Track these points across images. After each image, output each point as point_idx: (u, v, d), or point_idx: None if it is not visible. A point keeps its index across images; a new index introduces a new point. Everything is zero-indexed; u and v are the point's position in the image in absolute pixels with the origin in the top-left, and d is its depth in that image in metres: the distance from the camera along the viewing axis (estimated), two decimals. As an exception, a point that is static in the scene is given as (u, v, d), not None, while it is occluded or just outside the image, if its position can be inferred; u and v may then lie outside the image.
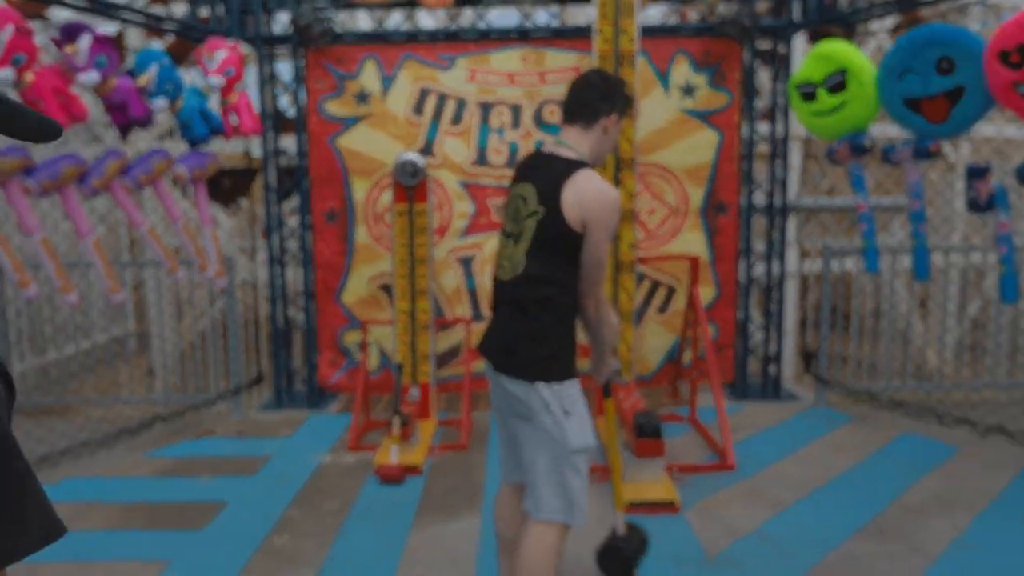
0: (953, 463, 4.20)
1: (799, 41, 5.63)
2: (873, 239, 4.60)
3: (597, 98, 2.35)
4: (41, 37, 3.77)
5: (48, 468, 4.23)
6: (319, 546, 3.29)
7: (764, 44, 5.51)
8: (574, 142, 2.33)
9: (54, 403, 5.51)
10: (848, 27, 5.36)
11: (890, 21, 6.96)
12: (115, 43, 3.98)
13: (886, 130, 5.88)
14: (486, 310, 5.39)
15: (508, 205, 2.44)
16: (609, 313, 2.39)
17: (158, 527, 3.53)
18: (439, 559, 3.17)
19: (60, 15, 5.74)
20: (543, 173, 2.31)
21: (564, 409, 2.24)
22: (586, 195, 2.20)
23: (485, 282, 5.37)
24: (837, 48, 4.35)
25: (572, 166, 2.25)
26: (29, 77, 3.53)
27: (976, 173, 3.91)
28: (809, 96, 4.50)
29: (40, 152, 5.88)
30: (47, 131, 0.76)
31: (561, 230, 2.21)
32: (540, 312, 2.27)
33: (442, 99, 5.30)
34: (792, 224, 5.71)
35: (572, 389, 2.29)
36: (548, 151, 2.39)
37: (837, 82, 4.31)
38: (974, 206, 3.94)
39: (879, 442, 4.56)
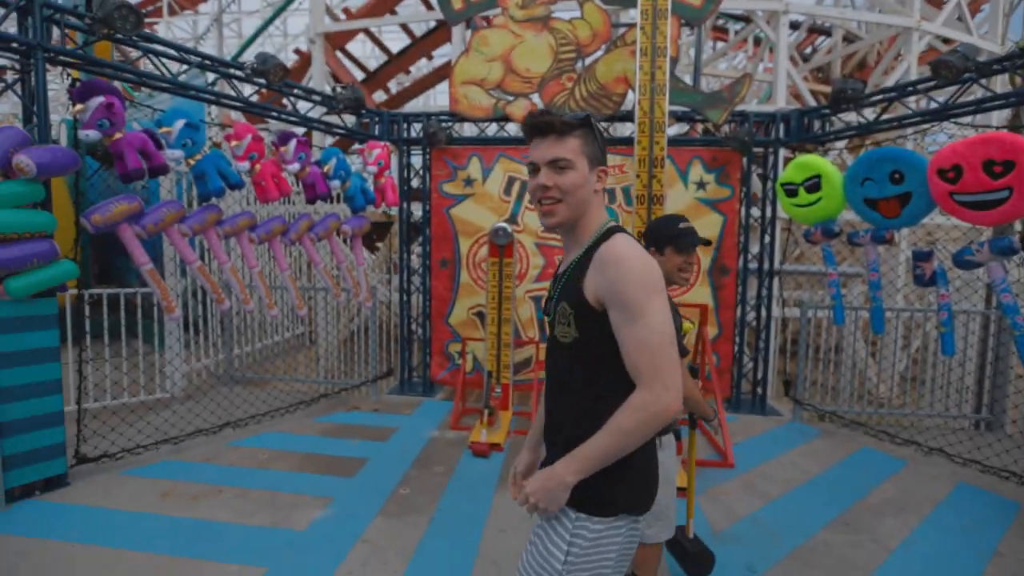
0: (902, 475, 3.87)
1: (781, 153, 5.46)
2: (840, 300, 4.38)
3: None
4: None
5: (254, 424, 4.44)
6: (430, 500, 3.31)
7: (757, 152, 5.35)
8: None
9: (257, 378, 5.72)
10: (818, 143, 5.18)
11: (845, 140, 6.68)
12: (308, 143, 4.21)
13: (846, 216, 5.63)
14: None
15: None
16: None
17: (324, 472, 3.63)
18: (515, 517, 3.09)
19: (275, 124, 6.12)
20: None
21: None
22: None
23: (549, 314, 5.37)
24: (813, 159, 4.20)
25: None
26: (258, 167, 3.78)
27: (921, 256, 3.64)
28: (792, 192, 4.36)
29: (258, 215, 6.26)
30: None
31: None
32: None
33: (524, 185, 5.36)
34: (776, 283, 5.50)
35: None
36: None
37: (813, 183, 4.18)
38: (919, 281, 3.63)
39: (843, 453, 4.22)
